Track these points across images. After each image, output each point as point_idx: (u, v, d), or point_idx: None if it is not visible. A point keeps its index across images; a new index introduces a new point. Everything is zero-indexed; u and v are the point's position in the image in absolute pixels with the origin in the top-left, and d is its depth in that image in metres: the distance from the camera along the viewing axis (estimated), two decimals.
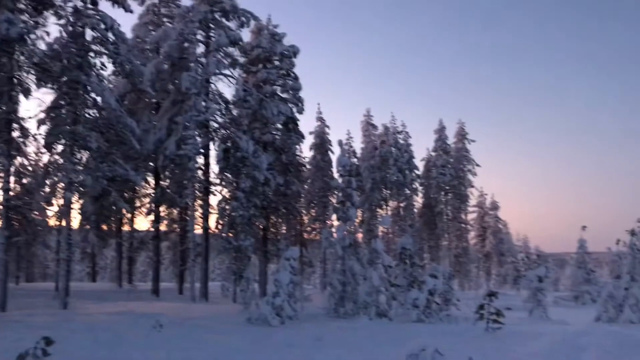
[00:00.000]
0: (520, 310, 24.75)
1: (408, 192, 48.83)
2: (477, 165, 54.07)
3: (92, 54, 20.42)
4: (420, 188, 51.55)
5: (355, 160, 46.72)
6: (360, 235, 30.54)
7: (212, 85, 27.63)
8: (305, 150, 44.22)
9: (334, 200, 34.63)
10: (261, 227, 29.11)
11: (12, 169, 19.38)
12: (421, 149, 68.29)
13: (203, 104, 25.05)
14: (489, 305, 13.72)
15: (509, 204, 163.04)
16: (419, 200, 51.64)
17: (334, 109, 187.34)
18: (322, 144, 41.51)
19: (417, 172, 49.46)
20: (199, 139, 25.91)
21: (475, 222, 59.71)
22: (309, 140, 40.51)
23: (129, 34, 26.94)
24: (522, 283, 41.39)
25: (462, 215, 54.16)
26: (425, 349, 10.17)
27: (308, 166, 39.11)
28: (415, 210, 50.69)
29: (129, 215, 32.54)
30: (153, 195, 30.15)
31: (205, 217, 27.45)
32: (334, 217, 21.79)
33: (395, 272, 21.87)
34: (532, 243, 63.87)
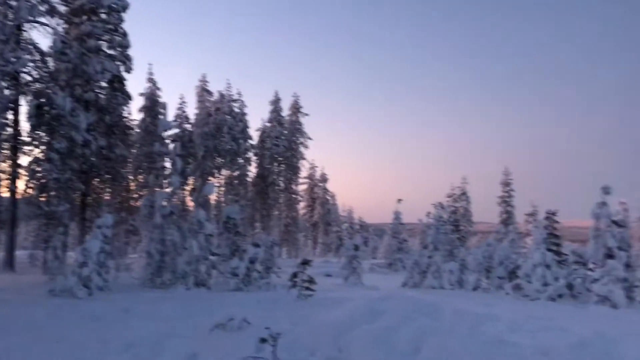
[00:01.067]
0: (339, 277, 26.26)
1: (242, 161, 48.81)
2: (309, 138, 55.70)
3: None
4: (254, 158, 51.82)
5: (188, 126, 45.50)
6: (192, 204, 29.90)
7: (25, 34, 24.85)
8: (135, 113, 42.04)
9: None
10: (80, 192, 27.09)
11: None
12: (256, 120, 68.63)
13: (12, 53, 22.42)
14: (302, 273, 14.25)
15: (338, 176, 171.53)
16: (252, 170, 51.96)
17: (169, 73, 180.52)
18: (152, 107, 39.57)
19: (251, 142, 49.55)
20: (7, 92, 23.26)
21: (305, 193, 61.79)
22: (139, 102, 38.44)
23: None
24: (342, 251, 43.85)
25: (293, 186, 55.62)
26: (234, 318, 10.28)
27: (137, 129, 37.19)
28: (249, 180, 50.93)
29: None
30: None
31: (14, 178, 24.91)
32: (155, 183, 21.00)
33: (218, 241, 21.82)
34: (356, 214, 67.96)
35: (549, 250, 20.60)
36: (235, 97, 48.81)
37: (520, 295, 20.11)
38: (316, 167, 63.09)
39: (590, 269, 19.88)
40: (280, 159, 52.92)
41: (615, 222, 18.82)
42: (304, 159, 55.96)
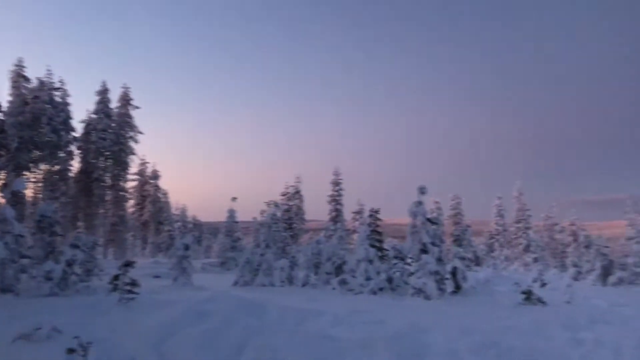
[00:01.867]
0: (168, 278, 25.23)
1: (63, 155, 44.87)
2: (140, 132, 52.96)
3: None
4: (77, 152, 47.92)
5: (0, 114, 40.73)
6: (3, 201, 26.67)
7: None
8: None
9: None
10: None
11: None
12: (83, 111, 63.72)
13: None
14: (125, 275, 13.37)
15: (171, 174, 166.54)
16: (75, 165, 47.98)
17: None
18: None
19: (74, 134, 45.78)
20: None
21: (135, 191, 58.78)
22: None
23: None
24: (171, 251, 42.46)
25: (121, 183, 52.47)
26: (41, 327, 9.27)
27: None
28: (71, 175, 46.97)
29: None
30: None
31: None
32: None
33: (32, 242, 19.79)
34: (190, 212, 66.25)
35: (372, 246, 21.78)
36: (57, 85, 44.76)
37: (346, 290, 20.97)
38: (147, 163, 60.27)
39: (408, 263, 21.38)
40: (107, 153, 49.54)
41: (429, 220, 20.42)
42: (133, 154, 53.01)
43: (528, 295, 18.53)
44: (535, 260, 43.40)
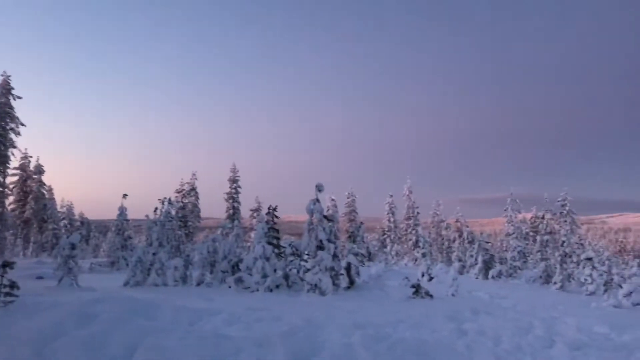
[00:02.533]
0: (53, 279, 23.74)
1: None
2: (22, 124, 49.26)
3: None
4: None
5: None
6: None
7: None
8: None
9: None
10: None
11: None
12: None
13: None
14: (2, 277, 12.39)
15: (58, 169, 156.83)
16: None
17: None
18: None
19: None
20: None
21: (16, 186, 54.73)
22: None
23: None
24: (56, 251, 40.07)
25: (0, 178, 48.58)
26: None
27: None
28: None
29: None
30: None
31: None
32: None
33: None
34: (77, 210, 62.69)
35: (269, 243, 21.79)
36: None
37: (242, 288, 20.83)
38: (30, 157, 56.25)
39: (304, 260, 21.62)
40: None
41: (326, 217, 20.77)
42: (14, 147, 49.27)
43: (417, 289, 19.40)
44: (424, 255, 45.52)
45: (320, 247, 20.21)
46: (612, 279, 28.41)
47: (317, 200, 20.90)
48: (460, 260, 44.32)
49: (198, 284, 23.48)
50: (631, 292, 23.27)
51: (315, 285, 19.06)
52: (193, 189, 56.36)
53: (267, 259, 21.11)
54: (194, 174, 56.83)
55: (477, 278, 37.99)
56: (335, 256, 20.52)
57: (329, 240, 20.46)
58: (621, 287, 24.99)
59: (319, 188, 20.71)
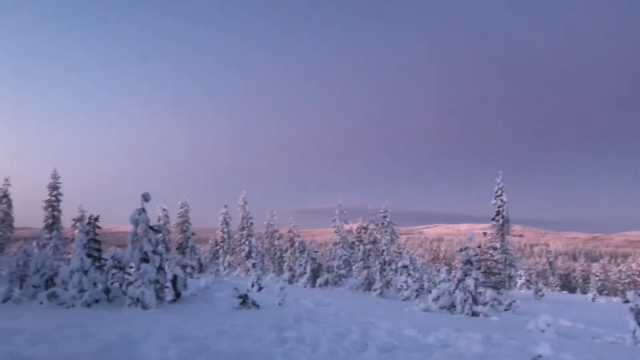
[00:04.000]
0: None
1: None
2: None
3: None
4: None
5: None
6: None
7: None
8: None
9: None
10: None
11: None
12: None
13: None
14: None
15: None
16: None
17: None
18: None
19: None
20: None
21: None
22: None
23: None
24: None
25: None
26: None
27: None
28: None
29: None
30: None
31: None
32: None
33: None
34: None
35: (89, 255, 20.42)
36: None
37: (56, 304, 19.23)
38: None
39: (128, 273, 20.58)
40: None
41: (151, 228, 20.02)
42: None
43: (244, 299, 19.50)
44: (254, 265, 45.82)
45: (145, 259, 19.41)
46: (423, 285, 31.12)
47: (143, 209, 20.07)
48: (290, 270, 45.39)
49: (4, 301, 21.16)
50: (439, 297, 25.69)
51: (138, 299, 18.23)
52: (5, 195, 51.09)
53: (86, 272, 19.71)
54: (6, 180, 51.56)
55: (305, 287, 39.19)
56: (161, 268, 19.83)
57: (155, 252, 19.73)
58: (430, 292, 27.49)
59: (145, 197, 19.91)
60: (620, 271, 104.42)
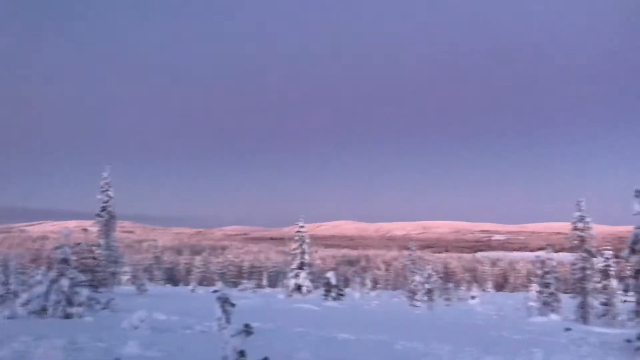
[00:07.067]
0: None
1: None
2: None
3: None
4: None
5: None
6: None
7: None
8: None
9: None
10: None
11: None
12: None
13: None
14: None
15: None
16: None
17: None
18: None
19: None
20: None
21: None
22: None
23: None
24: None
25: None
26: None
27: None
28: None
29: None
30: None
31: None
32: None
33: None
34: None
35: None
36: None
37: None
38: None
39: None
40: None
41: None
42: None
43: None
44: None
45: None
46: (9, 289, 27.50)
47: None
48: None
49: None
50: (29, 301, 22.91)
51: None
52: None
53: None
54: None
55: None
56: None
57: None
58: (18, 297, 24.42)
59: None
60: (218, 262, 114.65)
